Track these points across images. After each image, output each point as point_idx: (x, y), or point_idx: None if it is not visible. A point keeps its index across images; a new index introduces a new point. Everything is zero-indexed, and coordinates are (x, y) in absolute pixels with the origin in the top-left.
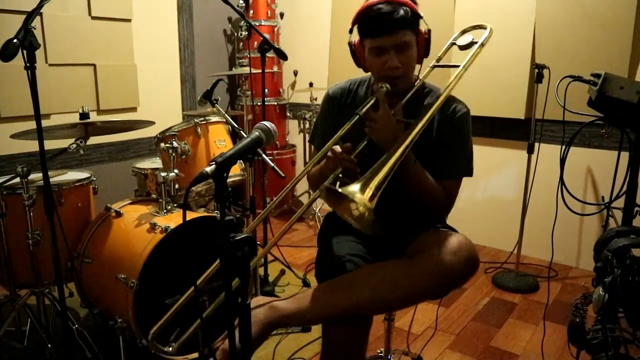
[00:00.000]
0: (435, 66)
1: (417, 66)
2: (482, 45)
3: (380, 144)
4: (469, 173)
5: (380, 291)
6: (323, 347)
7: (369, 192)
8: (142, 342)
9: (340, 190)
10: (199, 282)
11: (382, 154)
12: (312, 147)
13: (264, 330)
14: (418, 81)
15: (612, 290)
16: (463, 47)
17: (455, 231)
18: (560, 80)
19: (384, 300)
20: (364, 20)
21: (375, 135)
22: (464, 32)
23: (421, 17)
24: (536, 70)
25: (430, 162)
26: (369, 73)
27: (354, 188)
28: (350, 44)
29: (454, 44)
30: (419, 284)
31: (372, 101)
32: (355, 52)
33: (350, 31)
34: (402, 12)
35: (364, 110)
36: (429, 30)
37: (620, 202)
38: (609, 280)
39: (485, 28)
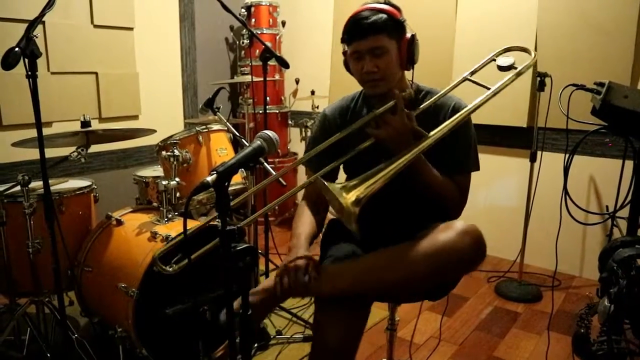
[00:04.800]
0: (466, 79)
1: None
2: (519, 74)
3: (389, 147)
4: (477, 167)
5: (376, 271)
6: (313, 347)
7: (354, 195)
8: (142, 351)
9: (327, 185)
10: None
11: (387, 154)
12: (306, 169)
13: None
14: (442, 92)
15: (618, 301)
16: (502, 68)
17: None
18: (564, 89)
19: (382, 280)
20: (345, 27)
21: (387, 138)
22: (508, 50)
23: (403, 21)
24: (538, 79)
25: (438, 160)
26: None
27: (343, 189)
28: (343, 52)
29: (493, 60)
30: (416, 264)
31: (391, 104)
32: (346, 60)
33: (342, 40)
34: (377, 17)
35: (381, 110)
36: (413, 36)
37: (624, 212)
38: (614, 291)
39: (530, 53)
